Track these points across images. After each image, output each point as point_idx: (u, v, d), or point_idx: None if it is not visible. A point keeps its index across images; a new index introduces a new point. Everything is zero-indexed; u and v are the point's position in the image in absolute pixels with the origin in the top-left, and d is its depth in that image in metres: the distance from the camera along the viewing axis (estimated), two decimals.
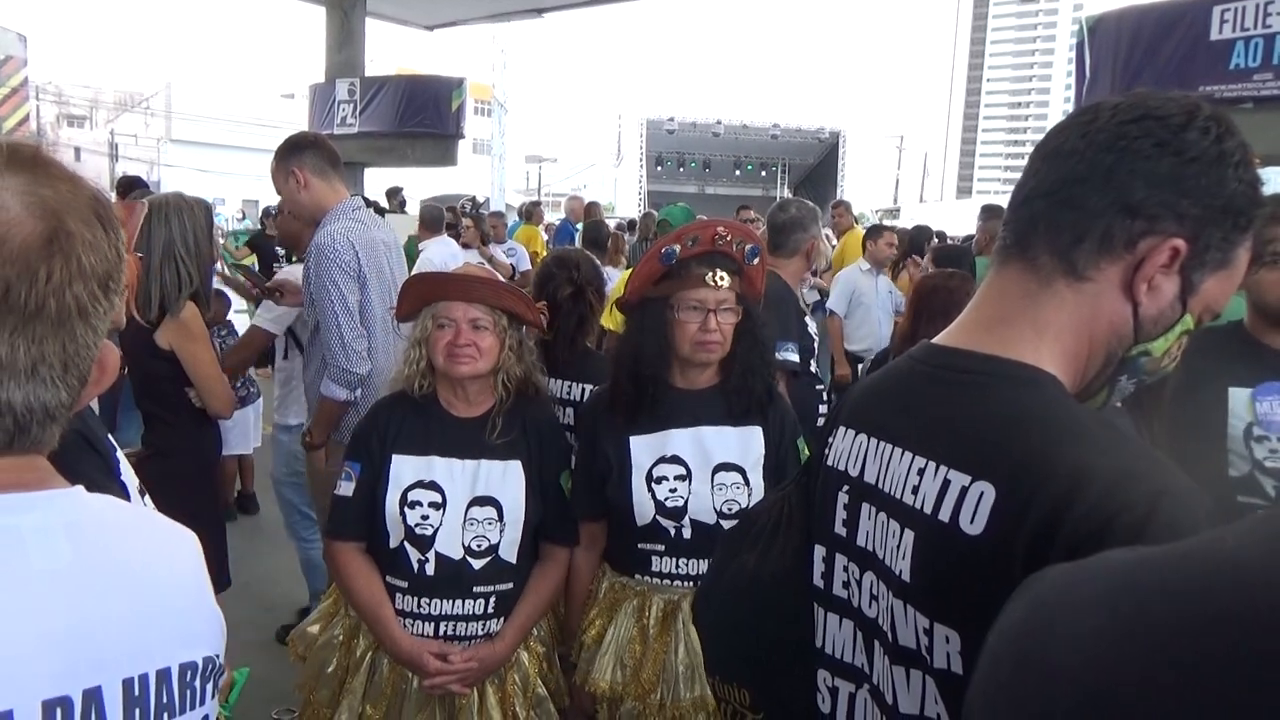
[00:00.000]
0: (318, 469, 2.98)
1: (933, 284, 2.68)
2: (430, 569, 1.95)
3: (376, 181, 13.56)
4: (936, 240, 7.48)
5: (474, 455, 1.99)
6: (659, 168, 28.03)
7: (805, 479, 1.13)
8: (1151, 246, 0.84)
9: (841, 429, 1.04)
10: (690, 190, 28.83)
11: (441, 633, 1.97)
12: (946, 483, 0.85)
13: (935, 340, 0.97)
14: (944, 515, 0.84)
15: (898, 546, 0.89)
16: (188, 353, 2.69)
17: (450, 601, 1.96)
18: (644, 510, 1.97)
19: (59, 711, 0.63)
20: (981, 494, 0.81)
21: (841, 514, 1.00)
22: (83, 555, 0.68)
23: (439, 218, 7.67)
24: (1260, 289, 2.04)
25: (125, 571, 0.72)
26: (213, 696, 0.77)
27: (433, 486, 1.97)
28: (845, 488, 1.00)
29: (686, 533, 1.96)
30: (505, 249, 8.53)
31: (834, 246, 7.84)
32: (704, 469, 1.97)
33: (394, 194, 12.69)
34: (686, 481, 1.97)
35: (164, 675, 0.71)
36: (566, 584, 2.15)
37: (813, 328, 3.69)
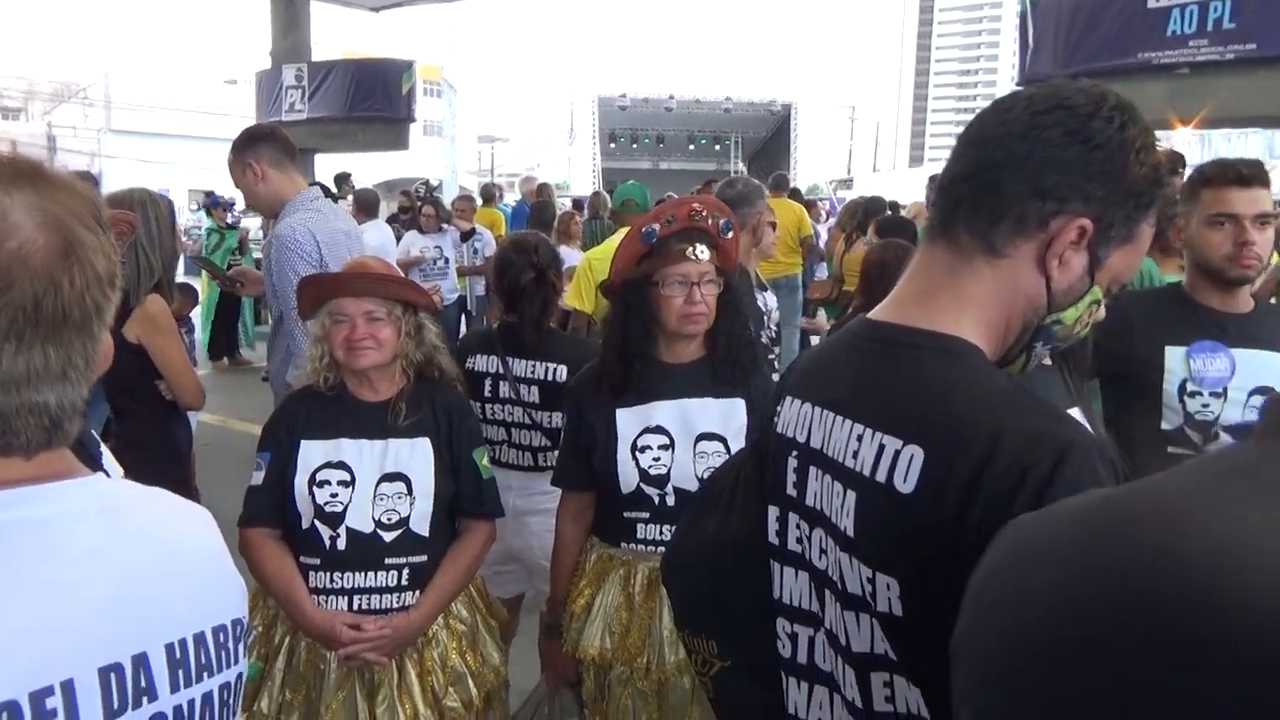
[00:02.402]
0: None
1: (875, 256, 2.80)
2: (342, 544, 2.02)
3: (327, 167, 13.43)
4: (890, 211, 7.60)
5: (382, 436, 2.08)
6: (613, 145, 27.96)
7: (759, 446, 1.22)
8: (1061, 226, 0.94)
9: (789, 398, 1.13)
10: (645, 166, 28.84)
11: (355, 606, 2.02)
12: (881, 447, 0.94)
13: (870, 315, 1.06)
14: (880, 476, 0.93)
15: (841, 505, 0.98)
16: (156, 345, 2.72)
17: (362, 574, 2.03)
18: (628, 478, 2.06)
19: (113, 677, 0.70)
20: (912, 456, 0.91)
21: (792, 477, 1.09)
22: (116, 534, 0.75)
23: (375, 202, 7.66)
24: (1205, 248, 2.14)
25: (155, 546, 0.79)
26: (245, 655, 0.84)
27: (341, 466, 2.05)
28: (794, 453, 1.09)
29: (670, 500, 2.06)
30: (475, 231, 8.48)
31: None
32: (687, 438, 2.06)
33: (343, 179, 12.57)
34: (670, 450, 2.06)
35: (200, 638, 0.78)
36: (554, 555, 2.23)
37: (773, 301, 3.80)
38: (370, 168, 18.15)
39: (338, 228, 3.06)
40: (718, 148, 29.41)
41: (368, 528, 2.03)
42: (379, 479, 2.05)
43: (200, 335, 9.01)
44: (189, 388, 2.81)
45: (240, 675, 0.84)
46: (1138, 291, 2.58)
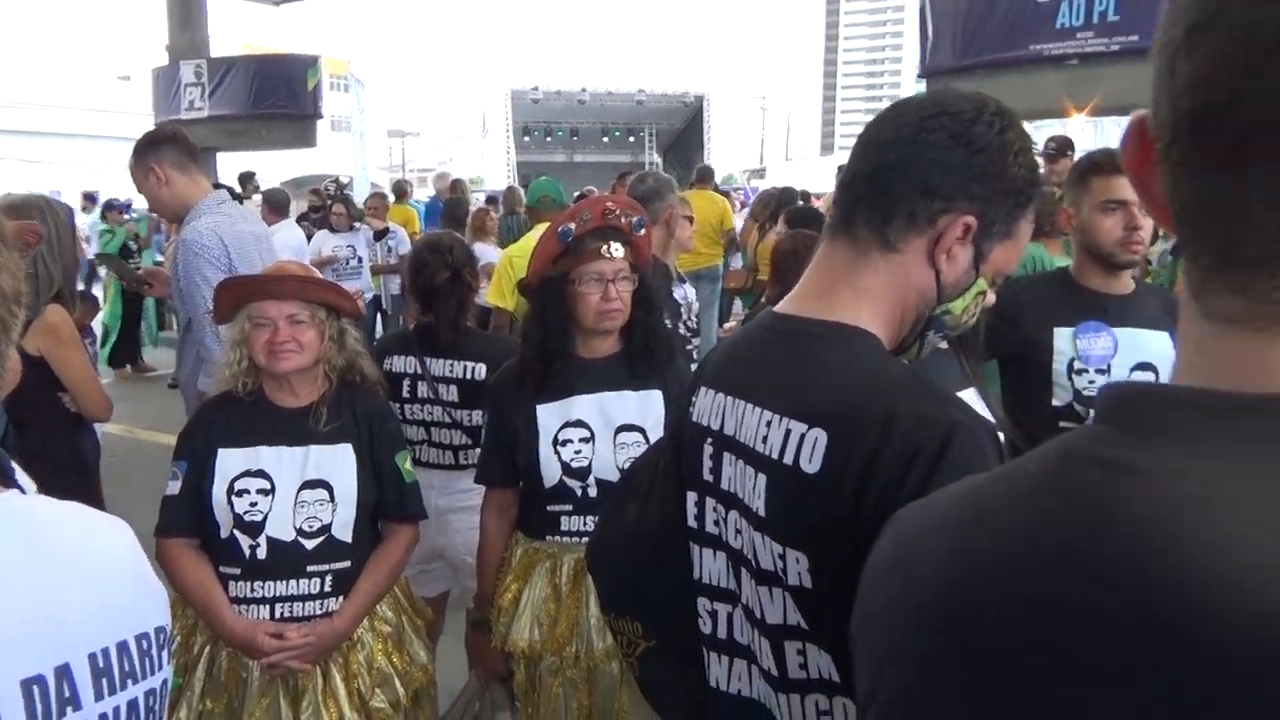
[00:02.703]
0: None
1: (786, 247, 2.90)
2: (262, 553, 2.00)
3: (230, 167, 13.03)
4: (802, 201, 7.75)
5: (302, 442, 2.06)
6: (526, 138, 27.80)
7: (676, 434, 1.27)
8: (948, 223, 1.02)
9: (703, 389, 1.19)
10: (559, 159, 28.74)
11: (278, 615, 2.00)
12: (788, 431, 1.00)
13: (776, 308, 1.13)
14: (788, 459, 0.99)
15: (754, 488, 1.04)
16: (59, 357, 2.64)
17: (284, 583, 2.01)
18: (550, 472, 2.09)
19: (35, 689, 0.71)
20: (817, 439, 0.97)
21: (708, 463, 1.15)
22: (34, 548, 0.75)
23: (285, 201, 7.47)
24: (1096, 234, 2.25)
25: (74, 559, 0.79)
26: (169, 662, 0.85)
27: (260, 474, 2.02)
28: (709, 440, 1.15)
29: (592, 491, 2.10)
30: (389, 229, 8.35)
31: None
32: (607, 430, 2.11)
33: (247, 179, 12.20)
34: (590, 443, 2.10)
35: (123, 646, 0.79)
36: (479, 551, 2.25)
37: (691, 293, 3.88)
38: (276, 166, 17.64)
39: (246, 231, 3.01)
40: (632, 140, 29.49)
41: (289, 536, 2.01)
42: (300, 486, 2.03)
43: (98, 345, 8.68)
44: (94, 400, 2.73)
45: (165, 681, 0.85)
46: (1028, 277, 2.73)
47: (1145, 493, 0.45)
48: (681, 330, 3.57)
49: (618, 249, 2.07)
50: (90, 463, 2.89)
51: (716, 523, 1.14)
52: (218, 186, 3.52)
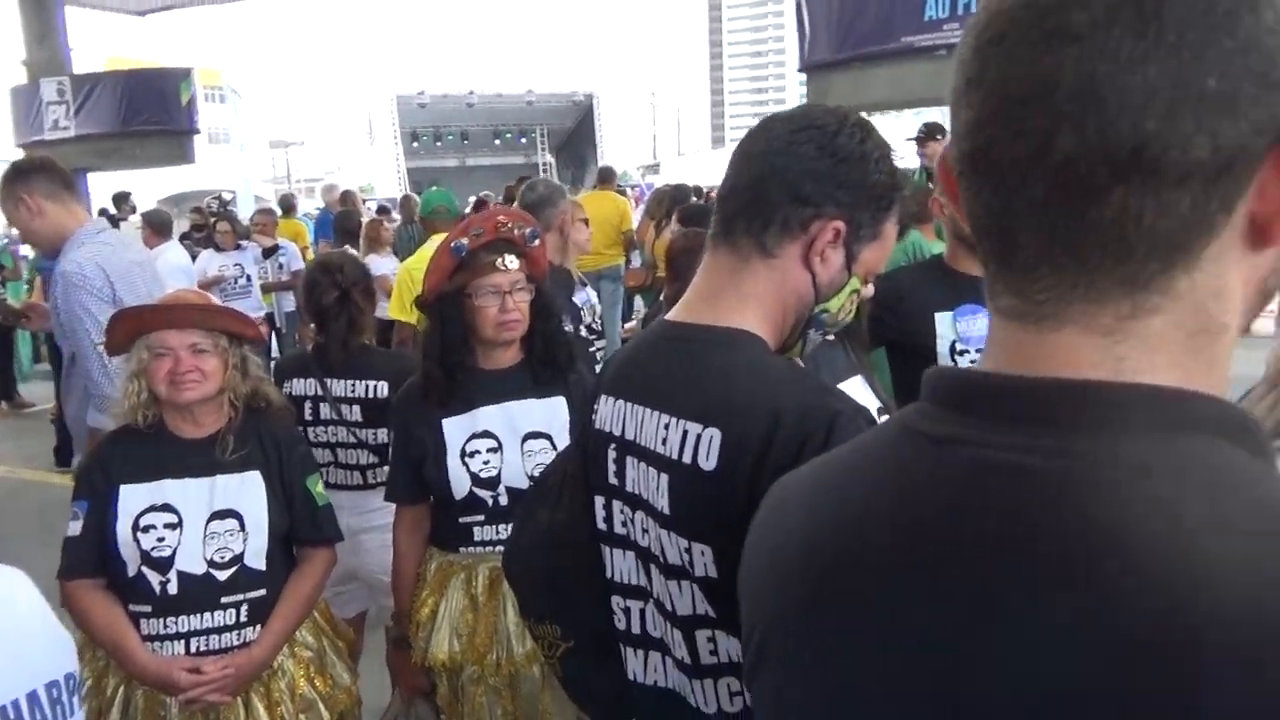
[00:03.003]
0: None
1: (680, 245, 2.97)
2: (173, 588, 1.96)
3: (103, 187, 12.43)
4: (695, 198, 7.86)
5: (208, 472, 2.02)
6: (415, 144, 27.27)
7: (582, 441, 1.32)
8: (819, 228, 1.10)
9: (604, 397, 1.24)
10: (451, 164, 28.31)
11: (193, 649, 1.97)
12: (685, 432, 1.07)
13: (667, 316, 1.19)
14: (686, 458, 1.06)
15: (657, 488, 1.10)
16: None
17: (198, 616, 1.98)
18: (460, 485, 2.11)
19: None
20: (712, 438, 1.04)
21: (612, 467, 1.20)
22: None
23: (168, 221, 7.19)
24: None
25: None
26: (80, 708, 0.86)
27: (166, 509, 1.99)
28: (612, 445, 1.20)
29: (503, 500, 2.12)
30: (279, 246, 8.11)
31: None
32: (514, 439, 2.13)
33: (122, 199, 11.68)
34: (498, 453, 2.12)
35: (33, 697, 0.80)
36: (394, 568, 2.25)
37: (593, 296, 3.93)
38: (153, 184, 16.89)
39: (129, 259, 2.92)
40: (524, 141, 29.27)
41: (200, 569, 1.98)
42: (209, 518, 2.00)
43: None
44: None
45: None
46: (905, 267, 2.88)
47: (956, 457, 0.55)
48: (583, 333, 3.62)
49: (512, 261, 2.11)
50: None
51: (624, 524, 1.20)
52: (104, 214, 3.40)
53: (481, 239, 2.09)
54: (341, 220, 7.57)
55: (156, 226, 7.02)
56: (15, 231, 3.14)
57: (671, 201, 7.34)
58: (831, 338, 1.91)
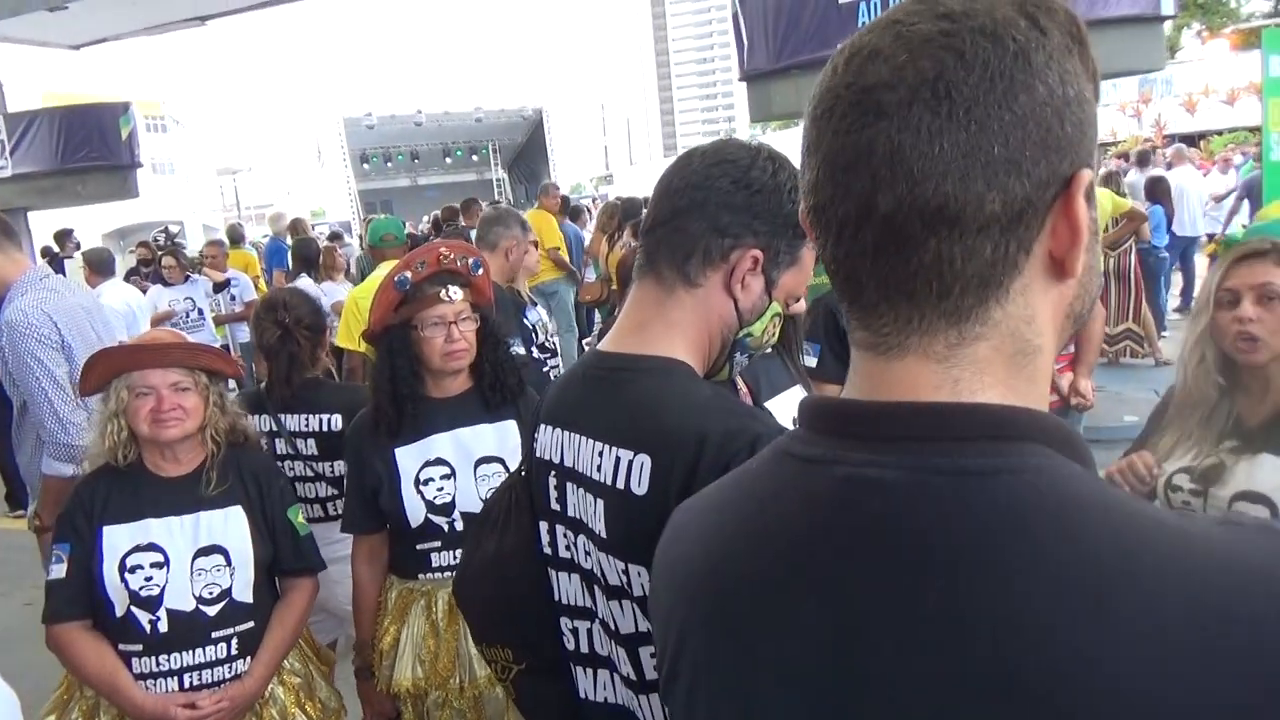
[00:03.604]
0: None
1: (629, 260, 3.03)
2: (163, 626, 2.00)
3: (44, 225, 12.20)
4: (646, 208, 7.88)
5: (191, 509, 2.06)
6: (365, 165, 27.10)
7: (526, 468, 1.37)
8: (739, 257, 1.16)
9: (543, 425, 1.29)
10: (403, 184, 28.19)
11: (186, 685, 2.01)
12: (618, 459, 1.12)
13: (599, 346, 1.24)
14: (620, 484, 1.11)
15: (594, 512, 1.16)
16: None
17: (190, 652, 2.02)
18: (415, 513, 2.14)
19: None
20: (643, 464, 1.09)
21: (554, 493, 1.25)
22: None
23: (109, 259, 7.05)
24: None
25: None
26: None
27: (151, 548, 2.02)
28: (552, 473, 1.25)
29: (459, 525, 2.16)
30: (230, 277, 8.05)
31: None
32: (466, 464, 2.17)
33: (65, 237, 11.46)
34: (452, 479, 2.16)
35: None
36: (354, 599, 2.28)
37: (544, 314, 3.98)
38: (96, 218, 16.58)
39: (75, 304, 2.91)
40: (475, 158, 29.17)
41: (189, 606, 2.01)
42: (194, 554, 2.03)
43: None
44: None
45: None
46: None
47: (824, 475, 0.62)
48: (535, 354, 3.66)
49: (456, 292, 2.15)
50: None
51: (568, 547, 1.25)
52: (47, 253, 3.36)
53: (424, 271, 2.14)
54: (299, 248, 7.53)
55: (96, 265, 6.86)
56: None
57: (623, 214, 7.41)
58: (770, 352, 2.00)
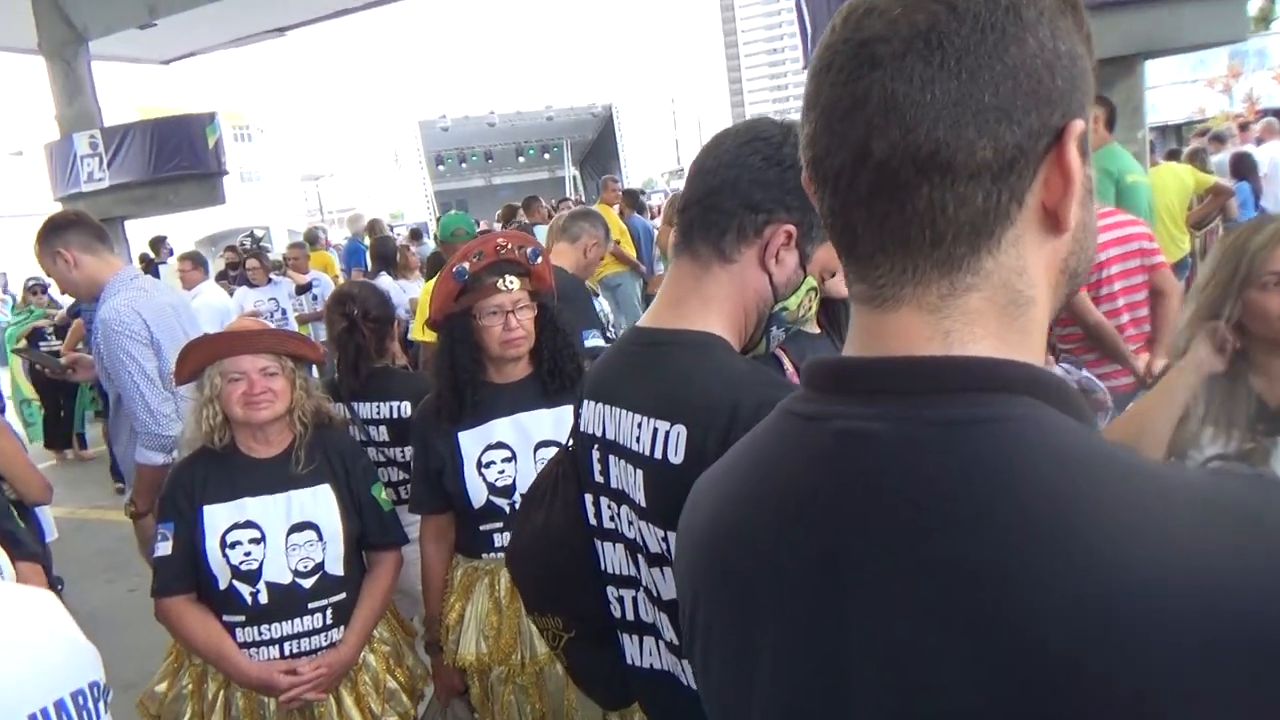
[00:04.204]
0: (147, 536, 3.02)
1: None
2: (263, 598, 2.13)
3: (140, 232, 12.80)
4: None
5: (283, 489, 2.19)
6: (440, 167, 27.64)
7: (572, 443, 1.42)
8: (773, 232, 1.18)
9: (586, 401, 1.34)
10: (478, 184, 28.68)
11: (286, 653, 2.15)
12: (655, 430, 1.16)
13: (639, 323, 1.28)
14: (658, 454, 1.15)
15: (635, 482, 1.20)
16: None
17: (289, 622, 2.15)
18: (477, 494, 2.22)
19: None
20: (679, 434, 1.13)
21: (597, 466, 1.30)
22: None
23: (204, 260, 7.48)
24: None
25: (9, 632, 0.91)
26: (105, 713, 0.97)
27: (249, 525, 2.14)
28: (595, 446, 1.30)
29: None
30: (311, 279, 8.36)
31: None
32: (526, 448, 2.24)
33: (159, 243, 12.02)
34: (513, 462, 2.23)
35: (60, 705, 0.91)
36: (423, 577, 2.37)
37: (606, 306, 4.07)
38: (188, 225, 17.30)
39: (164, 302, 3.07)
40: (547, 156, 29.48)
41: (286, 579, 2.14)
42: (288, 530, 2.16)
43: (19, 425, 8.51)
44: (31, 481, 2.78)
45: None
46: None
47: (821, 431, 0.65)
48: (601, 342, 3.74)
49: (513, 281, 2.21)
50: (37, 546, 2.93)
51: (611, 518, 1.29)
52: (143, 259, 3.57)
53: (482, 261, 2.20)
54: (379, 246, 7.84)
55: (195, 261, 7.34)
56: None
57: None
58: (818, 330, 2.00)
